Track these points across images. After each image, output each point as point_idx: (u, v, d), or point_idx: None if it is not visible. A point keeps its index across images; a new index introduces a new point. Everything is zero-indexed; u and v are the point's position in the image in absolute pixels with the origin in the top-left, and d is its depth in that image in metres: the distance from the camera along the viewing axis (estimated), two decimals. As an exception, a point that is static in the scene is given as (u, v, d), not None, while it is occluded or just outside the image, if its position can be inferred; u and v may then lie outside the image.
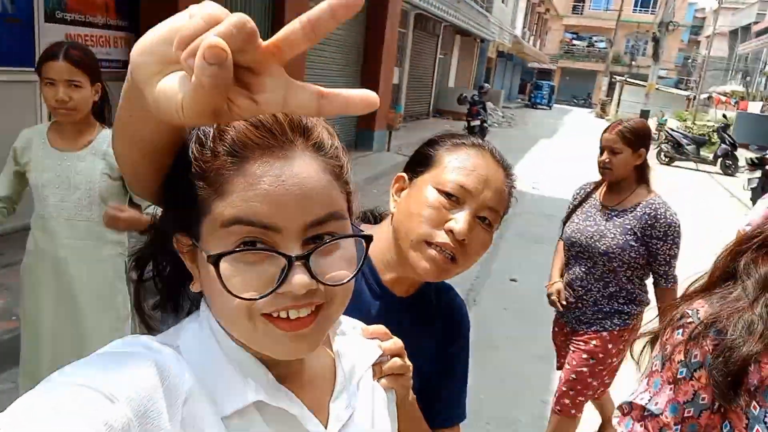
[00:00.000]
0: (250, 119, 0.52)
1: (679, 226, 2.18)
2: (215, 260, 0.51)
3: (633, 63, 38.87)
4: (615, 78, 31.74)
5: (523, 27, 29.50)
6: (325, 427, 0.62)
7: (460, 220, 0.87)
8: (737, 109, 22.67)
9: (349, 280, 0.55)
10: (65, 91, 1.81)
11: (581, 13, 44.91)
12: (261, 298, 0.51)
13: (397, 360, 0.77)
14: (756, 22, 29.60)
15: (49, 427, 0.41)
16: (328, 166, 0.56)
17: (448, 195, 0.88)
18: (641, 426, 1.03)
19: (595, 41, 44.87)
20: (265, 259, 0.52)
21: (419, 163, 0.98)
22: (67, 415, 0.42)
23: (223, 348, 0.58)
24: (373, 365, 0.75)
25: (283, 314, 0.53)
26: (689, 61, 44.76)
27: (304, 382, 0.63)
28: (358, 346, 0.73)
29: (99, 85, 1.90)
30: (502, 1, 22.43)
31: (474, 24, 16.86)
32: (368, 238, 0.57)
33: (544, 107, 33.96)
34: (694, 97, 27.71)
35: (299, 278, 0.51)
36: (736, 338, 0.95)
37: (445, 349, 1.03)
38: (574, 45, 45.69)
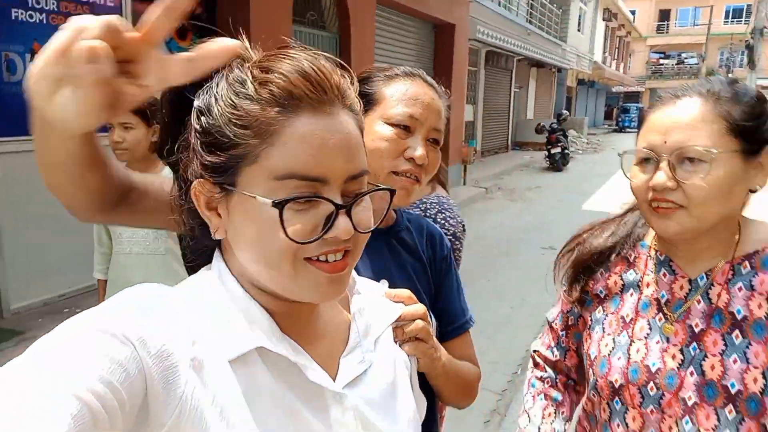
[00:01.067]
0: (296, 72, 0.54)
1: None
2: (280, 206, 0.53)
3: (730, 75, 36.31)
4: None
5: (604, 52, 28.74)
6: (334, 380, 0.63)
7: (417, 147, 0.95)
8: None
9: (373, 228, 0.60)
10: (119, 133, 1.97)
11: (666, 32, 43.01)
12: (313, 240, 0.54)
13: (419, 322, 0.79)
14: None
15: (54, 362, 0.43)
16: (360, 124, 0.61)
17: (399, 126, 0.95)
18: (547, 335, 1.23)
19: (685, 58, 42.62)
20: (311, 208, 0.55)
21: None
22: (73, 353, 0.45)
23: (232, 296, 0.60)
24: (395, 329, 0.77)
25: (322, 258, 0.56)
26: None
27: (314, 336, 0.64)
28: (377, 306, 0.74)
29: (157, 126, 1.97)
30: (578, 29, 22.09)
31: (548, 55, 16.73)
32: (393, 192, 0.63)
33: (634, 130, 32.31)
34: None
35: (345, 224, 0.55)
36: (590, 235, 1.11)
37: (434, 266, 1.07)
38: (662, 64, 43.60)
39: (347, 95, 0.59)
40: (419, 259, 1.05)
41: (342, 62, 0.60)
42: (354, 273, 0.73)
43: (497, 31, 12.41)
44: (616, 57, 34.65)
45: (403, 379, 0.73)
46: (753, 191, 0.95)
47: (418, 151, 0.94)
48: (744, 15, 37.53)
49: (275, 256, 0.55)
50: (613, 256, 1.08)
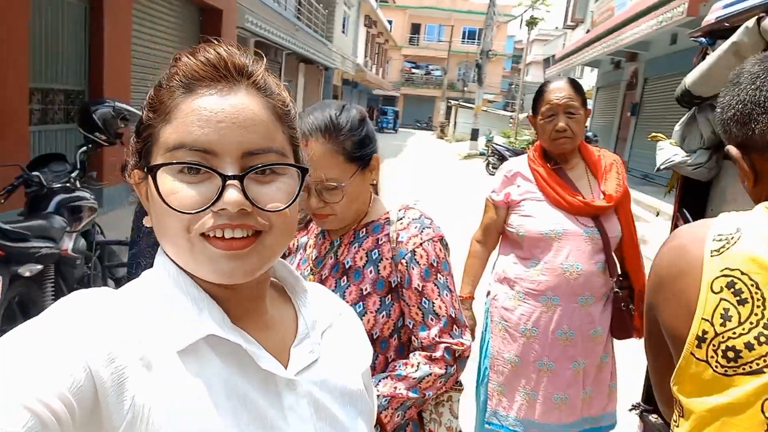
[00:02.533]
0: (199, 57, 0.58)
1: None
2: (151, 170, 0.55)
3: (465, 89, 42.74)
4: (450, 102, 34.72)
5: (365, 56, 31.02)
6: (286, 369, 0.63)
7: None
8: (551, 125, 25.82)
9: (283, 208, 0.58)
10: None
11: (417, 44, 48.36)
12: (196, 212, 0.54)
13: None
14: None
15: (12, 384, 0.43)
16: (271, 105, 0.61)
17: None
18: None
19: (432, 69, 48.55)
20: (204, 181, 0.56)
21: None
22: (18, 364, 0.44)
23: (178, 285, 0.60)
24: None
25: (218, 233, 0.56)
26: (512, 86, 50.25)
27: (263, 326, 0.65)
28: (321, 302, 0.75)
29: None
30: (342, 31, 23.43)
31: (316, 52, 17.44)
32: (304, 170, 0.61)
33: (391, 131, 35.88)
34: (516, 118, 31.22)
35: (233, 196, 0.54)
36: None
37: None
38: (414, 73, 48.95)
39: (254, 73, 0.61)
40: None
41: (260, 52, 0.65)
42: (298, 275, 0.74)
43: (266, 22, 12.49)
44: (376, 62, 37.69)
45: (353, 374, 0.73)
46: (373, 184, 1.32)
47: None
48: (477, 37, 44.32)
49: (169, 229, 0.56)
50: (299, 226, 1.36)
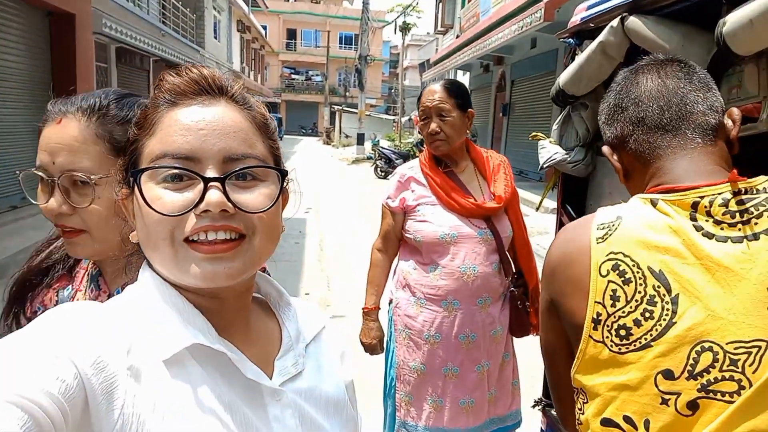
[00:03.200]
0: (182, 75, 0.62)
1: None
2: (135, 177, 0.58)
3: (347, 94, 43.15)
4: (334, 107, 34.78)
5: (242, 62, 30.12)
6: (270, 379, 0.64)
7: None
8: (431, 127, 26.87)
9: (264, 210, 0.60)
10: None
11: (295, 50, 47.96)
12: (180, 214, 0.56)
13: None
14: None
15: (7, 386, 0.43)
16: (251, 116, 0.64)
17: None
18: None
19: (312, 75, 48.45)
20: (187, 187, 0.58)
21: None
22: (12, 369, 0.45)
23: (163, 296, 0.60)
24: None
25: (201, 236, 0.57)
26: (392, 90, 51.64)
27: (247, 338, 0.66)
28: (304, 316, 0.76)
29: None
30: (215, 37, 22.55)
31: (186, 58, 16.54)
32: (284, 173, 0.64)
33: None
34: (399, 121, 32.12)
35: (213, 194, 0.56)
36: (36, 253, 1.06)
37: None
38: (294, 79, 48.51)
39: (232, 89, 0.64)
40: None
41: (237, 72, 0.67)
42: (282, 289, 0.76)
43: (127, 27, 11.61)
44: (253, 68, 36.80)
45: (337, 385, 0.74)
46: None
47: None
48: (353, 42, 44.93)
49: (156, 237, 0.58)
50: (55, 273, 1.01)
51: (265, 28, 40.65)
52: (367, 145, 23.19)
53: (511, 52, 15.40)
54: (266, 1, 35.32)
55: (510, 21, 11.74)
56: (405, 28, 30.35)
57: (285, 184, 0.65)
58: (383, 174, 16.07)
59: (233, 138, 0.60)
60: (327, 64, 40.60)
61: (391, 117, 35.60)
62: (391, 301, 2.17)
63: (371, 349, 2.15)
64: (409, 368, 2.04)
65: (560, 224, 1.70)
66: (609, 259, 0.81)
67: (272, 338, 0.70)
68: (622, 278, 0.80)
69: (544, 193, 1.83)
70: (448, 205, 1.98)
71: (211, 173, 0.58)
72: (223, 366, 0.60)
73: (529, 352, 2.77)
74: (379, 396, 2.22)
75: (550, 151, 1.57)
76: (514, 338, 2.16)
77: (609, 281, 0.81)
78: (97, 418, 0.49)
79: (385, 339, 2.19)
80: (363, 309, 2.15)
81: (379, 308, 2.15)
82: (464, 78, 27.25)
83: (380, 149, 17.06)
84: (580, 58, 1.41)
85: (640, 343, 0.77)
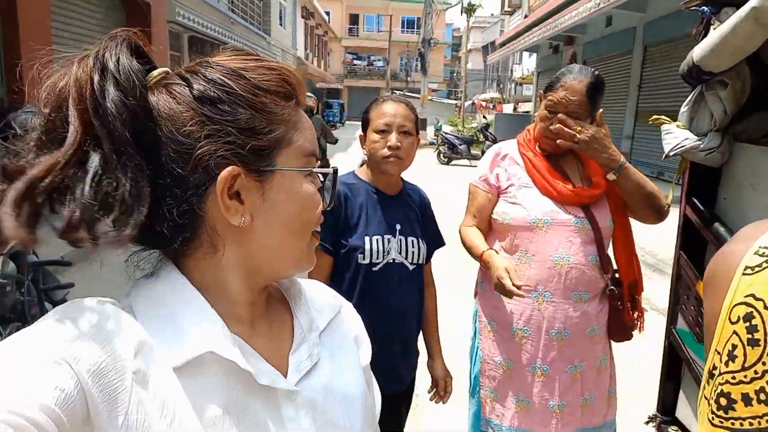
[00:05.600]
0: (280, 75, 0.63)
1: None
2: (326, 176, 0.66)
3: (409, 78, 42.83)
4: (396, 93, 34.62)
5: (306, 49, 30.43)
6: (285, 377, 0.62)
7: (390, 138, 1.70)
8: (495, 111, 26.38)
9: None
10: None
11: (357, 35, 47.96)
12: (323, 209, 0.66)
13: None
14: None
15: (6, 394, 0.43)
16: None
17: (380, 131, 1.71)
18: None
19: (373, 60, 48.35)
20: (313, 182, 0.64)
21: (363, 126, 1.81)
22: (5, 380, 0.43)
23: (182, 297, 0.58)
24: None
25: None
26: (454, 74, 50.79)
27: (262, 332, 0.65)
28: (317, 302, 0.74)
29: None
30: (280, 24, 22.82)
31: (254, 45, 16.84)
32: (335, 170, 0.68)
33: (337, 124, 35.47)
34: (462, 105, 31.54)
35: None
36: None
37: (424, 214, 1.88)
38: (356, 65, 48.60)
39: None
40: (417, 209, 1.86)
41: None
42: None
43: (199, 16, 11.91)
44: (317, 54, 37.12)
45: (354, 372, 0.72)
46: None
47: (391, 141, 1.70)
48: (416, 26, 44.44)
49: (307, 226, 0.63)
50: None
51: (328, 13, 40.82)
52: (430, 130, 22.89)
53: (583, 31, 14.66)
54: (330, -14, 35.42)
55: (586, -3, 11.11)
56: (470, 9, 29.61)
57: (335, 177, 0.70)
58: (446, 160, 15.83)
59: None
60: (389, 48, 40.37)
61: (453, 101, 35.02)
62: (476, 294, 2.03)
63: (502, 278, 1.68)
64: (494, 363, 1.90)
65: (685, 219, 1.50)
66: (745, 303, 0.59)
67: (285, 330, 0.69)
68: (750, 335, 0.58)
69: (674, 185, 1.61)
70: (543, 190, 1.82)
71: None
72: (239, 372, 0.58)
73: (625, 356, 2.57)
74: (464, 395, 2.10)
75: (678, 136, 1.37)
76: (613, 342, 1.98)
77: (734, 332, 0.60)
78: (99, 424, 0.47)
79: (470, 335, 2.06)
80: (480, 257, 1.85)
81: (491, 249, 1.86)
82: (531, 60, 26.34)
83: (443, 134, 16.79)
84: (723, 28, 1.21)
85: (741, 425, 0.58)
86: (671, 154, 1.39)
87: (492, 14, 48.67)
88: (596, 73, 1.81)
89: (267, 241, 0.61)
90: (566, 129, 1.75)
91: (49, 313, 0.52)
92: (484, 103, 30.92)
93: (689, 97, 1.40)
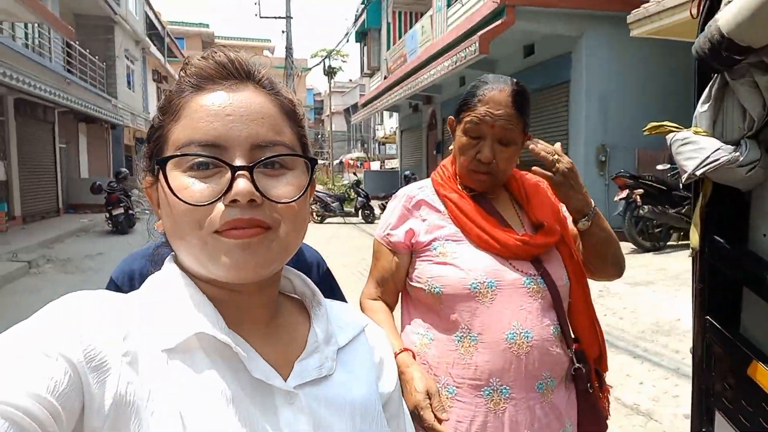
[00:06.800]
0: (208, 59, 0.60)
1: None
2: (162, 165, 0.56)
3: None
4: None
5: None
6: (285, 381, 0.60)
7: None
8: (363, 169, 26.83)
9: (294, 200, 0.58)
10: None
11: (217, 99, 46.76)
12: (208, 204, 0.55)
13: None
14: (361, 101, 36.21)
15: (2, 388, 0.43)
16: (279, 102, 0.62)
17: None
18: None
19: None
20: (214, 175, 0.56)
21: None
22: (6, 380, 0.44)
23: (177, 286, 0.59)
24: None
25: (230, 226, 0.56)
26: (318, 135, 51.48)
27: (265, 335, 0.63)
28: (340, 318, 0.72)
29: None
30: (129, 87, 21.26)
31: (97, 108, 15.23)
32: (313, 161, 0.62)
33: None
34: (330, 164, 31.70)
35: (241, 183, 0.54)
36: None
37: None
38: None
39: (259, 74, 0.62)
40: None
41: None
42: (316, 288, 0.72)
43: (25, 75, 10.39)
44: (173, 119, 35.24)
45: (367, 394, 0.67)
46: None
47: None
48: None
49: (181, 225, 0.56)
50: None
51: (183, 78, 39.25)
52: (299, 191, 22.39)
53: (439, 91, 15.38)
54: (184, 51, 34.19)
55: (442, 57, 11.59)
56: (330, 72, 30.24)
57: (313, 173, 0.63)
58: (320, 218, 15.46)
59: (261, 124, 0.58)
60: (251, 112, 39.72)
61: (321, 161, 35.14)
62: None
63: (421, 409, 1.18)
64: None
65: (707, 267, 1.05)
66: None
67: (299, 339, 0.66)
68: None
69: (696, 222, 1.10)
70: (479, 242, 1.31)
71: (239, 161, 0.56)
72: (231, 361, 0.57)
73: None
74: None
75: (704, 147, 0.92)
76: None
77: None
78: (91, 407, 0.48)
79: None
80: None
81: (408, 350, 1.31)
82: (392, 120, 27.34)
83: (315, 193, 16.28)
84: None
85: None
86: (698, 173, 0.94)
87: (350, 80, 50.73)
88: (514, 79, 1.39)
89: (171, 239, 0.60)
90: (543, 151, 1.29)
91: (45, 307, 0.53)
92: (351, 162, 31.36)
93: (707, 91, 0.97)
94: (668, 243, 7.33)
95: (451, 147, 1.45)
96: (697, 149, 0.93)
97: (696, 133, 0.96)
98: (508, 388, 1.26)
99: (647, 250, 7.08)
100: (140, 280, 1.09)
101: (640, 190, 6.84)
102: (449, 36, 12.14)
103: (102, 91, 16.84)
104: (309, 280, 0.72)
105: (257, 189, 0.55)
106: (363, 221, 15.29)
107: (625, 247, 7.56)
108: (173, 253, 0.62)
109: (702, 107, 0.97)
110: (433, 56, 12.68)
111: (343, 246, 10.78)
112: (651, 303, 5.31)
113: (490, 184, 1.36)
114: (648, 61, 8.81)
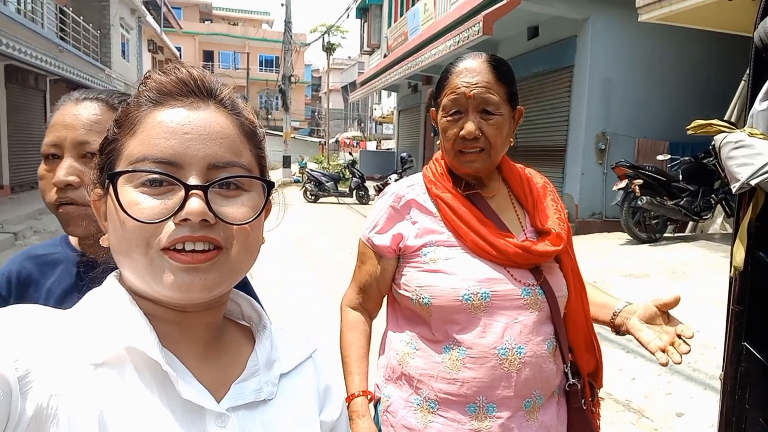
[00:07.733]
0: (169, 74, 0.59)
1: None
2: (112, 179, 0.55)
3: (270, 117, 41.87)
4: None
5: (155, 84, 28.24)
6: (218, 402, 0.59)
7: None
8: (359, 148, 26.57)
9: (247, 222, 0.57)
10: None
11: (212, 71, 45.98)
12: (159, 221, 0.53)
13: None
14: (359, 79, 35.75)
15: None
16: (239, 123, 0.61)
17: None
18: None
19: (234, 99, 46.72)
20: (167, 193, 0.55)
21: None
22: None
23: (116, 301, 0.58)
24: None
25: (179, 246, 0.54)
26: (315, 113, 50.96)
27: (206, 356, 0.61)
28: (286, 343, 0.70)
29: None
30: (123, 56, 20.84)
31: (90, 77, 14.91)
32: (270, 184, 0.61)
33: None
34: (325, 143, 31.43)
35: (194, 203, 0.53)
36: None
37: None
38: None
39: (221, 93, 0.61)
40: None
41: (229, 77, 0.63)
42: (263, 312, 0.70)
43: (16, 41, 10.09)
44: (168, 91, 34.73)
45: (305, 424, 0.66)
46: None
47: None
48: (274, 65, 43.87)
49: (131, 243, 0.55)
50: None
51: (179, 49, 38.63)
52: (294, 167, 22.19)
53: (440, 71, 15.09)
54: (181, 22, 33.59)
55: (444, 37, 11.34)
56: (329, 48, 29.76)
57: (270, 195, 0.62)
58: (313, 198, 15.30)
59: (220, 144, 0.58)
60: (247, 86, 39.18)
61: (317, 139, 34.80)
62: (378, 402, 1.31)
63: None
64: None
65: (748, 288, 0.94)
66: None
67: (239, 361, 0.65)
68: None
69: (742, 237, 0.97)
70: (475, 248, 1.20)
71: (193, 180, 0.55)
72: (162, 379, 0.55)
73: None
74: None
75: (763, 153, 0.80)
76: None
77: None
78: (12, 420, 0.46)
79: None
80: (345, 400, 1.24)
81: (370, 395, 1.29)
82: (390, 99, 27.01)
83: (309, 172, 16.13)
84: None
85: None
86: (753, 182, 0.83)
87: (349, 57, 50.01)
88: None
89: (116, 254, 0.58)
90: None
91: None
92: (347, 141, 31.09)
93: (766, 87, 0.84)
94: (664, 235, 7.25)
95: (438, 142, 1.33)
96: (752, 154, 0.81)
97: (752, 135, 0.84)
98: (494, 405, 1.17)
99: (643, 242, 7.01)
100: (16, 282, 1.01)
101: (639, 181, 6.73)
102: (452, 15, 11.89)
103: (96, 60, 16.50)
104: (257, 304, 0.71)
105: (210, 209, 0.54)
106: (357, 202, 15.15)
107: (621, 238, 7.48)
108: (117, 270, 0.61)
109: (761, 105, 0.85)
110: (435, 35, 12.42)
111: (338, 226, 10.67)
112: (646, 295, 5.26)
113: (483, 165, 1.24)
114: (656, 49, 8.61)
